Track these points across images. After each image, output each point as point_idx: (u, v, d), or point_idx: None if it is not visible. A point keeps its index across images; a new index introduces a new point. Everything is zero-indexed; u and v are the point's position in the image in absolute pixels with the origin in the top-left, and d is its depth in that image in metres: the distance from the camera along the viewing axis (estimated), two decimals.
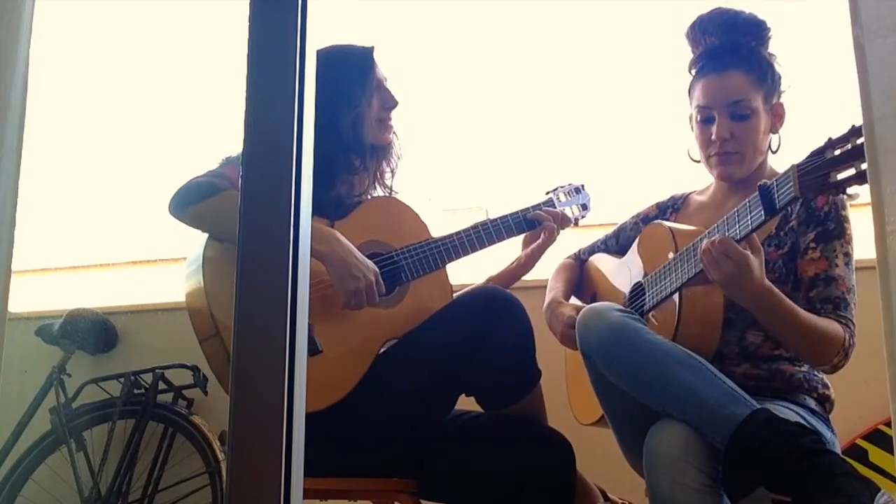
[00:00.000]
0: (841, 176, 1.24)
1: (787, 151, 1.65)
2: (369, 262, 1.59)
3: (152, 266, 3.43)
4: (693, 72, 1.71)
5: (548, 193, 1.97)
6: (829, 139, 1.27)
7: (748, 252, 1.40)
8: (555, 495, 1.56)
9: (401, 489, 1.60)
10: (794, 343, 1.49)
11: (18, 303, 2.70)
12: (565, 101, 3.25)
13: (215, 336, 1.53)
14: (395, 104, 1.78)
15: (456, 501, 1.64)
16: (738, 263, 1.39)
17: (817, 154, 1.29)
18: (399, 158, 1.82)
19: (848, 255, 1.53)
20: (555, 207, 1.92)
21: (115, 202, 3.50)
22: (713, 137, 1.64)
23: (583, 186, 2.02)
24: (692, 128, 1.71)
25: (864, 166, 1.20)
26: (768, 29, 1.68)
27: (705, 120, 1.66)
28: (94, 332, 2.82)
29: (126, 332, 2.93)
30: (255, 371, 0.75)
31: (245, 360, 0.76)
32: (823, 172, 1.26)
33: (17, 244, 0.98)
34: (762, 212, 1.38)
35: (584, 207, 1.99)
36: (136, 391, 2.70)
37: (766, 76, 1.64)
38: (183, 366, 2.67)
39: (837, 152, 1.25)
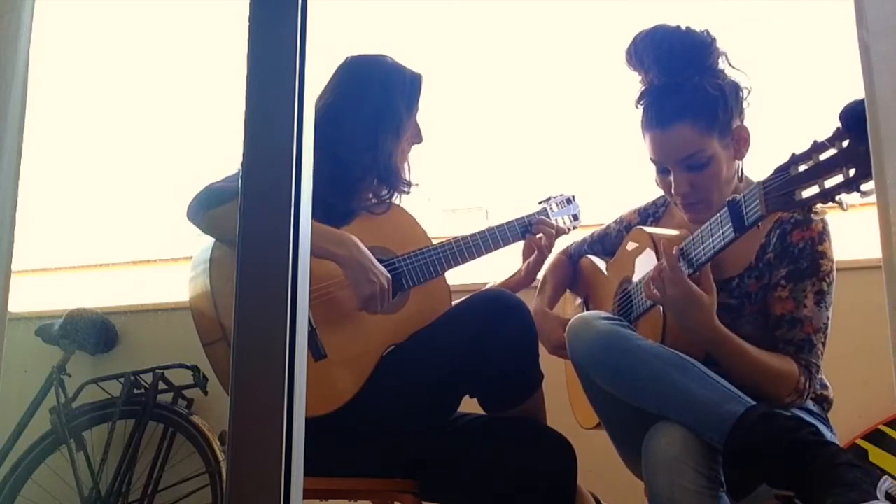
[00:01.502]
0: (806, 194, 1.21)
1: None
2: (383, 268, 1.60)
3: (152, 266, 3.44)
4: (639, 109, 1.60)
5: (541, 203, 1.99)
6: (793, 155, 1.24)
7: (696, 287, 1.39)
8: (556, 497, 1.56)
9: (401, 489, 1.60)
10: (743, 380, 1.43)
11: (18, 303, 2.70)
12: (565, 102, 3.25)
13: (221, 340, 1.53)
14: (421, 141, 1.80)
15: (457, 502, 1.64)
16: (682, 291, 1.39)
17: (782, 170, 1.25)
18: (407, 193, 1.83)
19: (821, 293, 1.47)
20: (549, 217, 1.93)
21: (115, 202, 3.51)
22: (672, 192, 1.57)
23: (573, 197, 2.04)
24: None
25: (827, 184, 1.18)
26: (711, 42, 1.55)
27: (661, 171, 1.60)
28: (94, 332, 2.82)
29: (126, 332, 2.93)
30: (255, 371, 0.75)
31: (245, 360, 0.76)
32: (788, 190, 1.23)
33: (17, 244, 0.98)
34: (732, 228, 1.35)
35: (575, 218, 2.02)
36: (136, 391, 2.71)
37: (716, 114, 1.51)
38: (183, 366, 2.67)
39: (802, 168, 1.22)
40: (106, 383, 2.75)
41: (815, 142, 1.20)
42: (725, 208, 1.37)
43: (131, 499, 2.63)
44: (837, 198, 1.17)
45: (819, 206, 1.20)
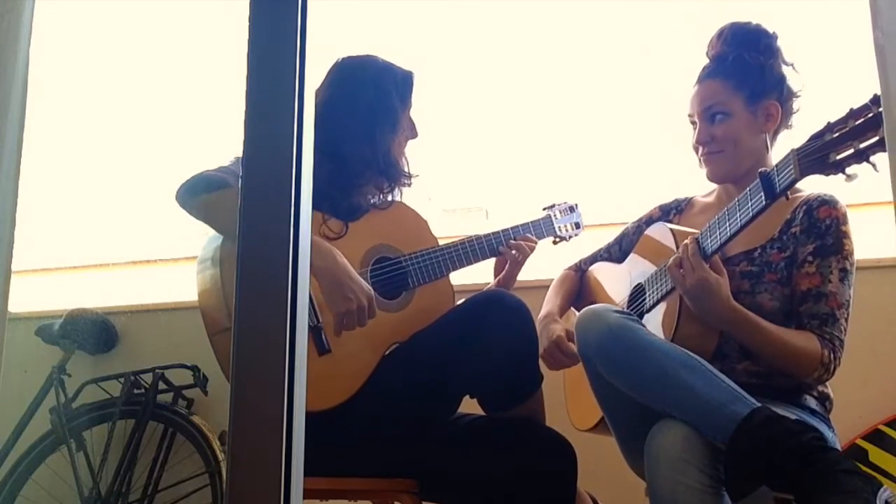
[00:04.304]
0: (840, 156, 1.26)
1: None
2: (365, 284, 1.58)
3: (152, 266, 3.44)
4: None
5: (545, 210, 2.03)
6: (828, 123, 1.29)
7: (712, 273, 1.46)
8: (555, 497, 1.56)
9: (401, 489, 1.60)
10: (766, 358, 1.52)
11: (18, 303, 2.70)
12: (566, 102, 3.25)
13: (228, 330, 1.53)
14: (416, 136, 1.82)
15: (457, 502, 1.64)
16: (699, 279, 1.46)
17: (816, 137, 1.31)
18: (408, 186, 1.84)
19: (844, 270, 1.54)
20: (552, 224, 1.99)
21: (115, 202, 3.51)
22: (695, 142, 1.70)
23: (576, 205, 2.09)
24: None
25: (862, 145, 1.22)
26: (767, 35, 1.70)
27: (693, 125, 1.72)
28: (94, 332, 2.82)
29: (126, 332, 2.93)
30: (255, 370, 0.75)
31: (245, 359, 0.76)
32: (822, 153, 1.28)
33: (17, 244, 0.98)
34: (762, 197, 1.40)
35: (577, 226, 2.07)
36: (136, 391, 2.70)
37: (746, 80, 1.66)
38: (183, 366, 2.67)
39: (836, 134, 1.27)
40: (106, 383, 2.75)
41: (852, 109, 1.25)
42: (757, 181, 1.42)
43: (131, 499, 2.63)
44: (872, 158, 1.22)
45: (853, 167, 1.24)
